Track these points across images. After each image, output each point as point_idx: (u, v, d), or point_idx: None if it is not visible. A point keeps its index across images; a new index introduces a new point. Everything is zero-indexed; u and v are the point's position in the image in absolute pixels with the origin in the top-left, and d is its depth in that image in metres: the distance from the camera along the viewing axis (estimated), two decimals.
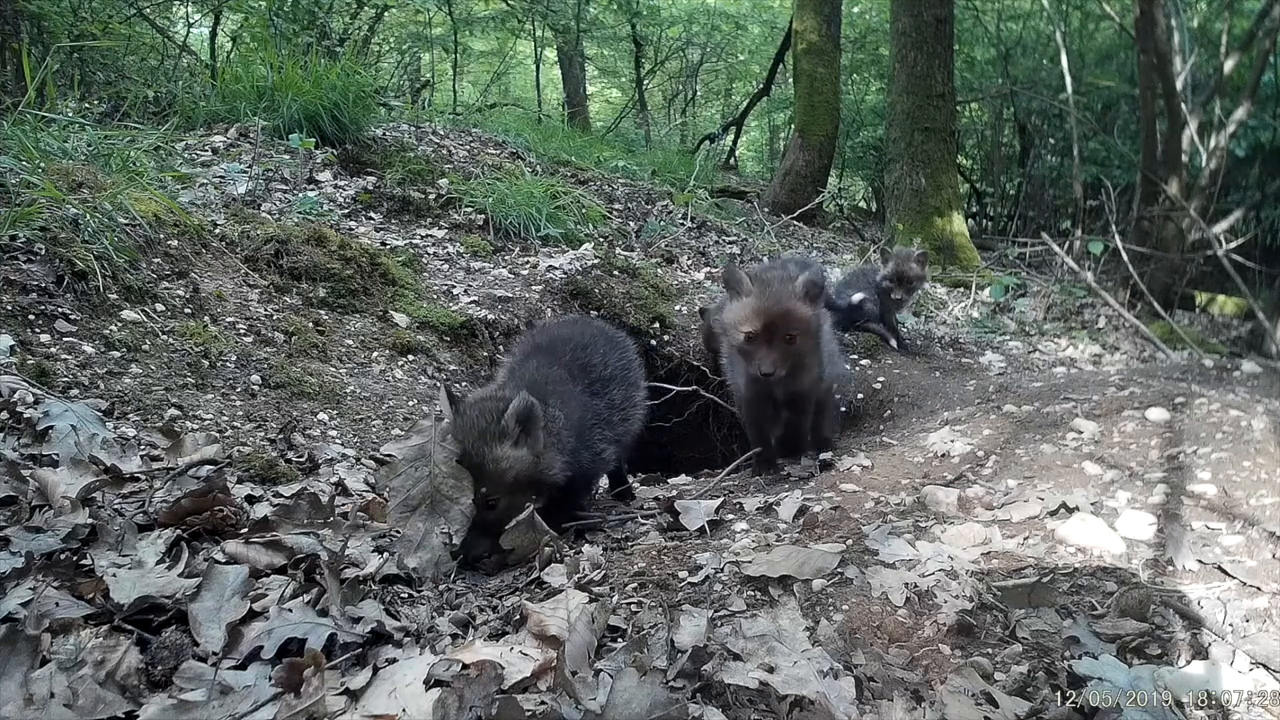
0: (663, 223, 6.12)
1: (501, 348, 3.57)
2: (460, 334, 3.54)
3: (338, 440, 2.46)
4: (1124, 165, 9.68)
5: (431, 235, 4.54)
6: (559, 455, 1.95)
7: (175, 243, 2.97)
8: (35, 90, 3.45)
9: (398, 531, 1.79)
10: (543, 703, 1.22)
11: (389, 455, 2.29)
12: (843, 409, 3.45)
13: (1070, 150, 9.51)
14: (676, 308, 4.42)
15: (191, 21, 7.92)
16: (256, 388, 2.56)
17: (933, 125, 7.92)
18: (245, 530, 1.69)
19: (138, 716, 1.18)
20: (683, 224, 6.31)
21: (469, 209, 4.82)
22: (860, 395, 3.90)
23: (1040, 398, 2.85)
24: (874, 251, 7.07)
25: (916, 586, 1.57)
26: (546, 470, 1.90)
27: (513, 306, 3.89)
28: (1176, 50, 7.33)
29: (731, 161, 13.73)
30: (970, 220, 11.18)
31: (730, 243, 6.38)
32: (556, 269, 4.38)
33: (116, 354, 2.33)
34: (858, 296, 4.48)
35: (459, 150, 6.02)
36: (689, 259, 5.62)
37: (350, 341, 3.17)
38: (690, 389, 3.72)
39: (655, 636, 1.42)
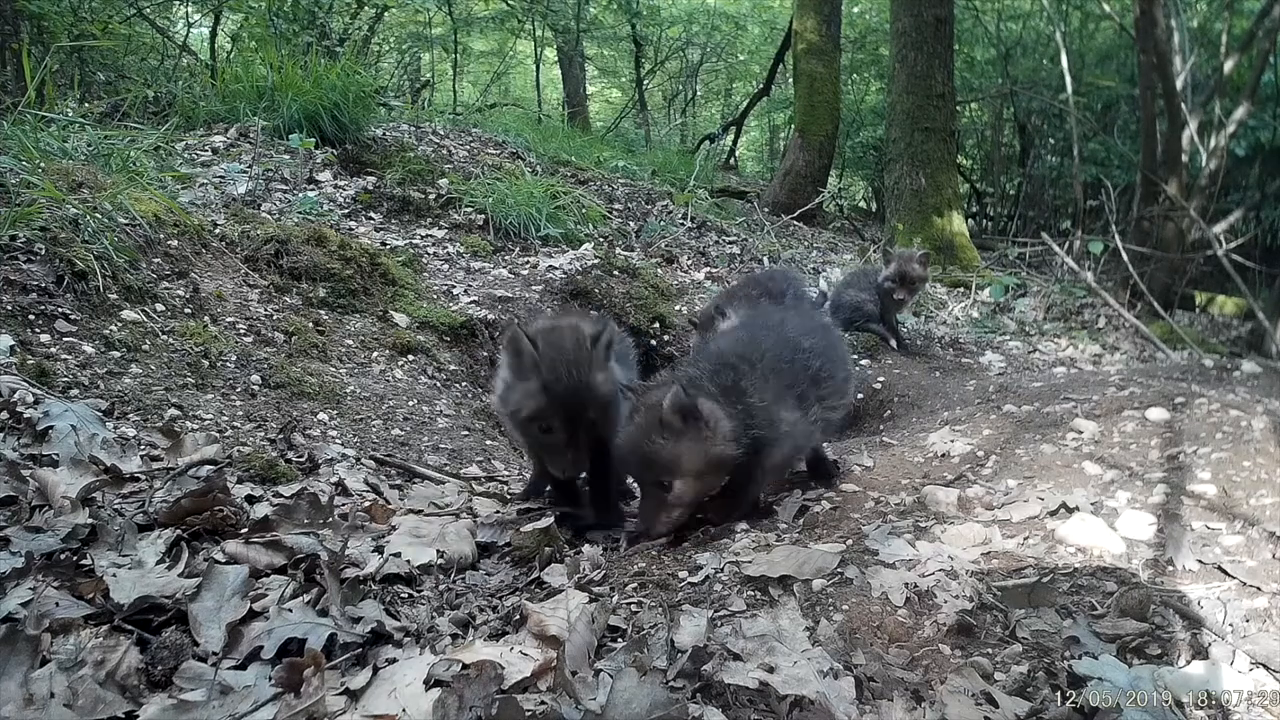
0: (663, 223, 6.12)
1: (501, 348, 3.57)
2: (460, 334, 3.54)
3: (338, 440, 2.46)
4: (1124, 165, 9.68)
5: (431, 235, 4.54)
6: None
7: (175, 243, 2.97)
8: (35, 90, 3.45)
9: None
10: (543, 703, 1.22)
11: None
12: None
13: (1070, 150, 9.51)
14: (676, 308, 4.42)
15: (191, 21, 7.93)
16: (256, 388, 2.56)
17: (933, 125, 7.92)
18: (245, 530, 1.69)
19: (138, 716, 1.17)
20: (683, 224, 6.32)
21: (469, 209, 4.82)
22: (860, 395, 3.90)
23: (1040, 398, 2.85)
24: (874, 251, 7.08)
25: (916, 586, 1.56)
26: (614, 387, 2.02)
27: (513, 306, 3.89)
28: (1176, 50, 7.33)
29: (731, 161, 13.74)
30: (970, 220, 11.18)
31: (730, 243, 6.38)
32: (556, 269, 4.39)
33: (116, 354, 2.33)
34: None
35: (459, 150, 6.02)
36: (689, 259, 5.63)
37: (350, 341, 3.17)
38: None
39: (655, 636, 1.42)
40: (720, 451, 1.89)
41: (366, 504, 2.05)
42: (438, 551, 1.79)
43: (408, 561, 1.72)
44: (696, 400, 1.88)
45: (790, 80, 10.61)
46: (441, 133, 6.37)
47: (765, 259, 6.14)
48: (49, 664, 1.20)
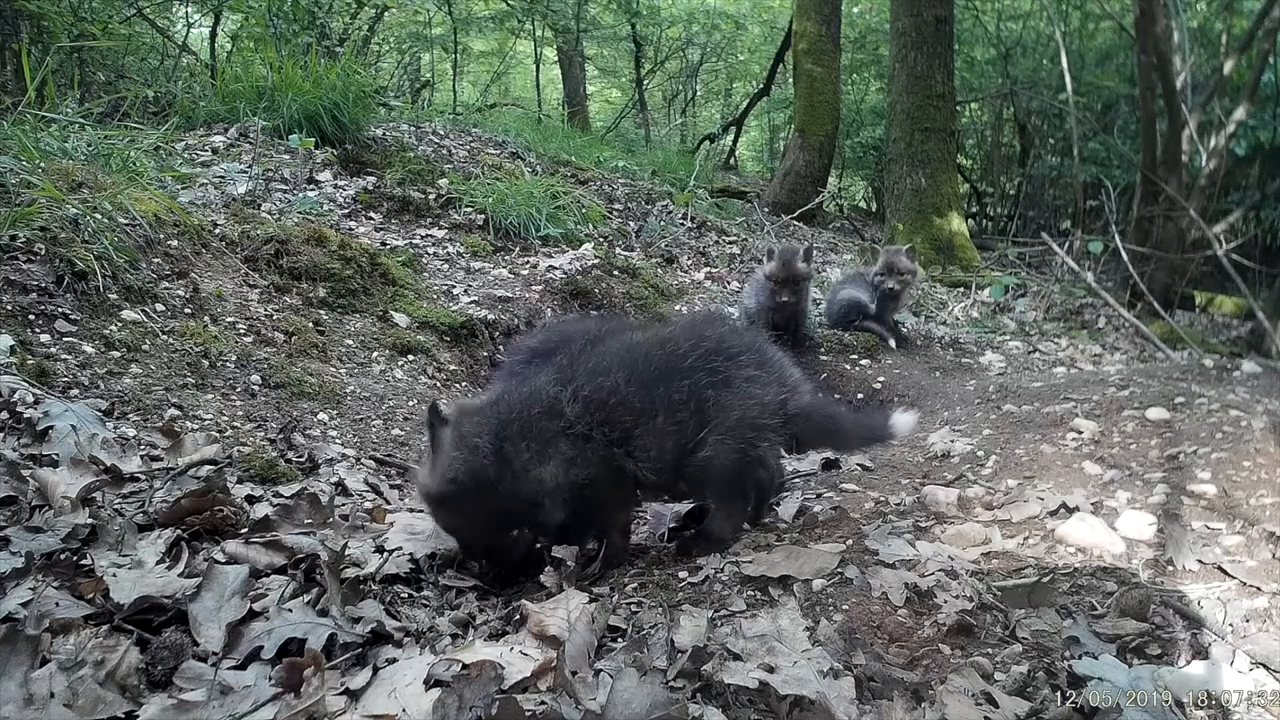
0: (663, 223, 6.12)
1: (501, 348, 3.57)
2: (460, 334, 3.54)
3: (338, 440, 2.46)
4: (1124, 165, 9.67)
5: (431, 235, 4.54)
6: None
7: (175, 243, 2.97)
8: (35, 90, 3.45)
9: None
10: (543, 703, 1.22)
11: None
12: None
13: (1070, 150, 9.50)
14: (676, 308, 4.42)
15: (191, 21, 7.91)
16: (256, 388, 2.56)
17: (933, 125, 7.91)
18: (245, 530, 1.69)
19: (138, 716, 1.18)
20: (683, 224, 6.31)
21: (469, 209, 4.82)
22: (860, 395, 3.90)
23: (1040, 398, 2.85)
24: (874, 252, 7.07)
25: (916, 586, 1.56)
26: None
27: (513, 306, 3.89)
28: (1176, 50, 7.32)
29: (731, 161, 13.73)
30: (970, 220, 11.16)
31: (730, 243, 6.38)
32: (556, 269, 4.38)
33: (116, 354, 2.33)
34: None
35: (459, 150, 6.02)
36: (689, 259, 5.63)
37: (350, 341, 3.17)
38: None
39: (655, 636, 1.42)
40: (423, 488, 1.69)
41: (367, 504, 2.05)
42: (432, 552, 1.79)
43: (409, 556, 1.72)
44: (443, 422, 1.66)
45: (790, 80, 10.61)
46: (441, 133, 6.36)
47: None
48: (49, 664, 1.20)
